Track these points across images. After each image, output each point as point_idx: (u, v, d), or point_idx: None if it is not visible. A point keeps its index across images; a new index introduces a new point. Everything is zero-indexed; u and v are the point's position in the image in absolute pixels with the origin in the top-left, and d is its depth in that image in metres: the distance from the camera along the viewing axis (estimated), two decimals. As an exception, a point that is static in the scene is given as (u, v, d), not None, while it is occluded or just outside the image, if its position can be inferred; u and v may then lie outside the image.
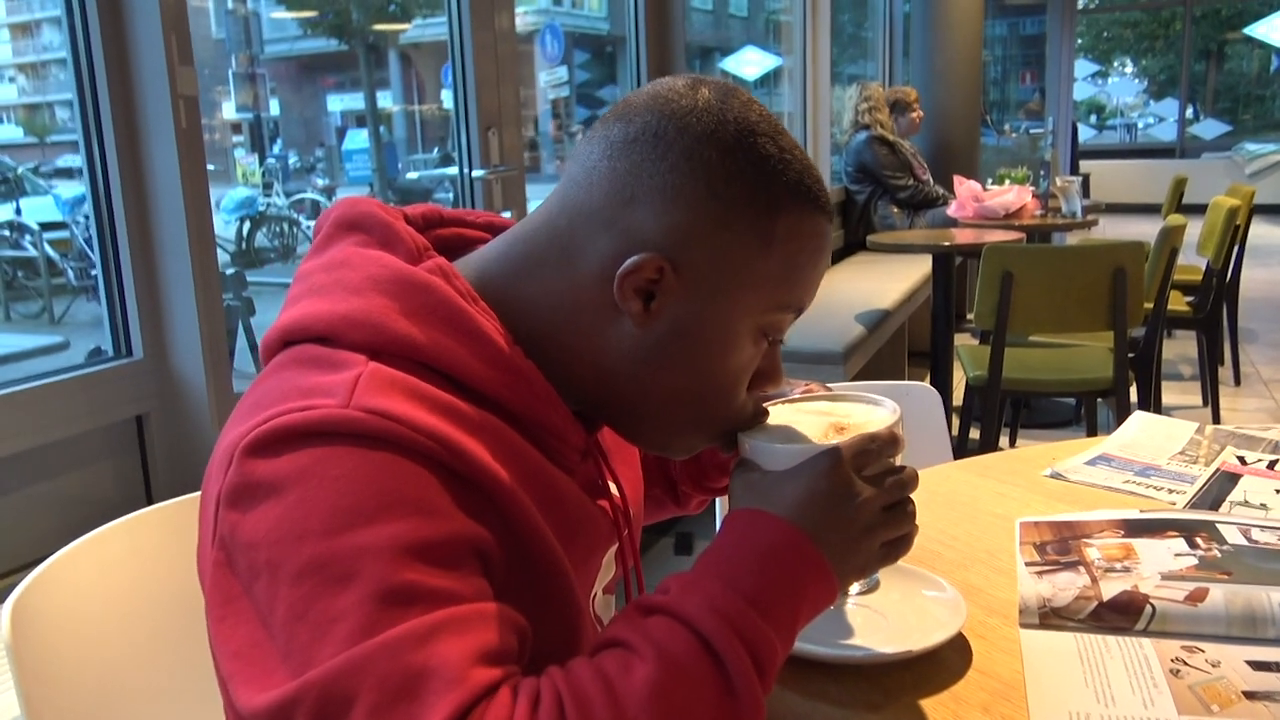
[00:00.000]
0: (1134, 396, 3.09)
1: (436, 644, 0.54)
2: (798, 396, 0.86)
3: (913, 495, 0.73)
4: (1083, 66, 15.93)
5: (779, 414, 0.81)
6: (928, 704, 0.77)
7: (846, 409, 0.82)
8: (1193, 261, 4.56)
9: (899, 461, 0.74)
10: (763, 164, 0.69)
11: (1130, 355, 2.97)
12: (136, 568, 0.96)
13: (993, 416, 3.01)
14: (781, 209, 0.70)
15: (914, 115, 5.32)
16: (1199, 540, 0.96)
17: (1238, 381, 4.75)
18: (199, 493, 0.96)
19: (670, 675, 0.56)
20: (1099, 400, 3.28)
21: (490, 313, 0.69)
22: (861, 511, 0.69)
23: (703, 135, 0.68)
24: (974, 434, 3.16)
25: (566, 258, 0.71)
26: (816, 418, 0.80)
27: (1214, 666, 0.79)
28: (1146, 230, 3.61)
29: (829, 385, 0.90)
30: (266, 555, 0.58)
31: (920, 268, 4.45)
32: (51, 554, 0.89)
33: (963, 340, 3.80)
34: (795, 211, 0.70)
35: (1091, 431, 3.55)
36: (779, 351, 0.77)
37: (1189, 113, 15.15)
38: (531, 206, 2.92)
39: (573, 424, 0.72)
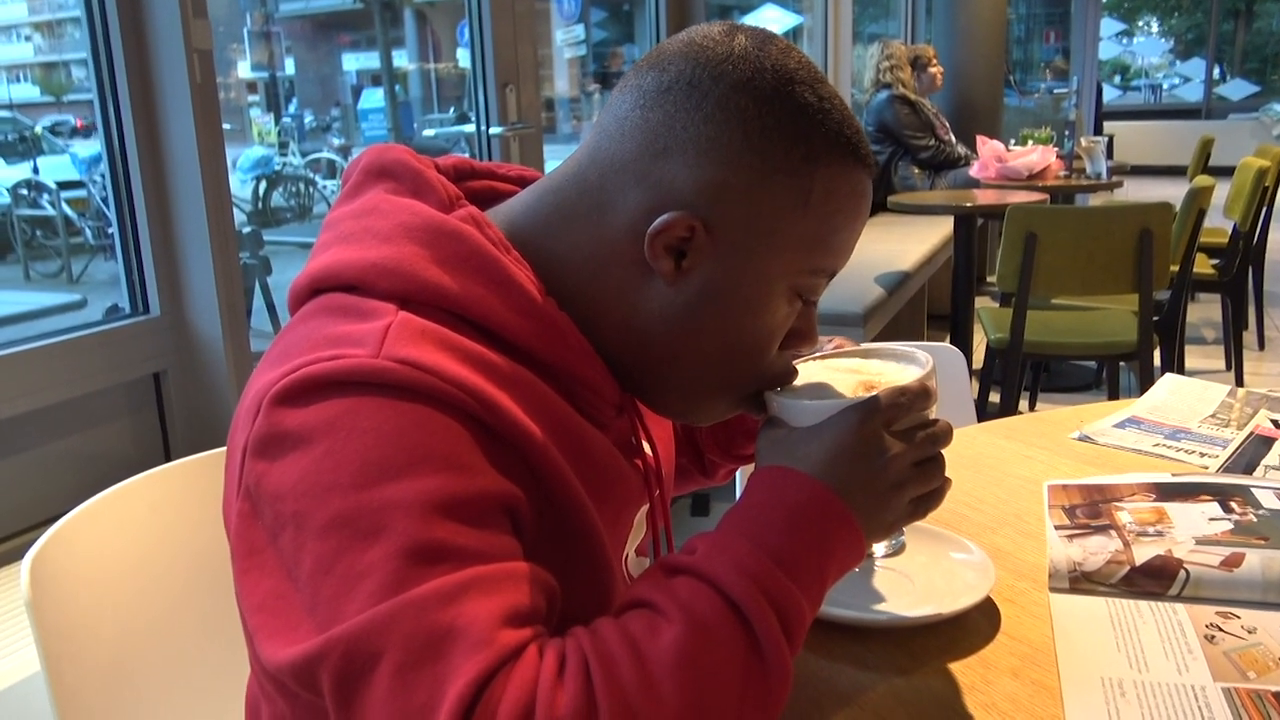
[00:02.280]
0: (1157, 360, 3.06)
1: (464, 603, 0.53)
2: (827, 352, 0.83)
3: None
4: (1108, 25, 15.63)
5: (808, 371, 0.79)
6: (956, 668, 0.76)
7: (878, 366, 0.80)
8: (1218, 224, 4.49)
9: (933, 414, 0.72)
10: (801, 114, 0.66)
11: (1154, 319, 2.93)
12: (155, 524, 0.96)
13: (1013, 380, 2.98)
14: (820, 162, 0.67)
15: (934, 71, 5.23)
16: (1234, 505, 0.94)
17: (1262, 345, 4.70)
18: (218, 449, 0.96)
19: (697, 638, 0.55)
20: (1121, 364, 3.24)
21: (523, 263, 0.67)
22: (890, 467, 0.67)
23: (739, 84, 0.66)
24: (993, 398, 3.13)
25: (597, 212, 0.69)
26: (846, 375, 0.78)
27: (1250, 633, 0.78)
28: (1170, 193, 3.56)
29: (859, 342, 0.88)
30: (293, 507, 0.57)
31: (941, 229, 4.40)
32: (70, 510, 0.89)
33: (983, 303, 3.76)
34: (834, 164, 0.67)
35: (1113, 395, 3.52)
36: (814, 312, 0.75)
37: (1216, 73, 14.88)
38: (548, 167, 2.89)
39: (608, 378, 0.70)
